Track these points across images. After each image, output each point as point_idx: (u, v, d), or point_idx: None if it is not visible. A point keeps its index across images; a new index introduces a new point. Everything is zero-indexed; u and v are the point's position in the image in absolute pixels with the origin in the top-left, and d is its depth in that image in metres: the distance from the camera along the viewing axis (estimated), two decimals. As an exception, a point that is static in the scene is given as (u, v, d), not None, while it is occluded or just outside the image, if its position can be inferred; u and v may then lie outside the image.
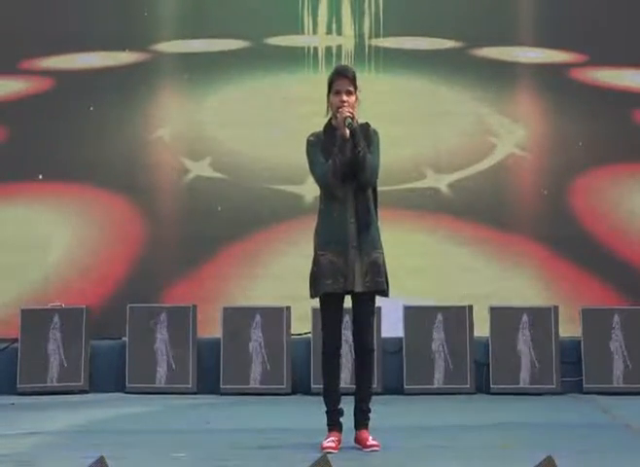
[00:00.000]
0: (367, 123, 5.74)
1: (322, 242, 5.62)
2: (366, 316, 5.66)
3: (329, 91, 5.69)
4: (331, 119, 5.70)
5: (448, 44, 9.62)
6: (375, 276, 5.59)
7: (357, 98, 5.69)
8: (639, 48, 9.58)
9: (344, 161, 5.54)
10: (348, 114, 5.55)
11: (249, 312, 8.81)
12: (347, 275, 5.55)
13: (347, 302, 5.68)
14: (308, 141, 5.72)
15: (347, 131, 5.54)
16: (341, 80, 5.66)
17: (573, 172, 9.51)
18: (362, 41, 9.64)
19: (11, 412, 7.79)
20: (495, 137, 9.61)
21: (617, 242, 9.41)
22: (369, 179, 5.60)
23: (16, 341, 8.89)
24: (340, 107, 5.60)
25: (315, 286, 5.62)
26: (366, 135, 5.65)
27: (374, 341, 5.85)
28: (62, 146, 9.58)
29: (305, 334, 8.82)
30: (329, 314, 5.63)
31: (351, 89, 5.66)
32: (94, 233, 9.52)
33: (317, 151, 5.65)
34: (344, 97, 5.62)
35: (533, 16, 9.68)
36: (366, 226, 5.58)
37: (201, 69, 9.66)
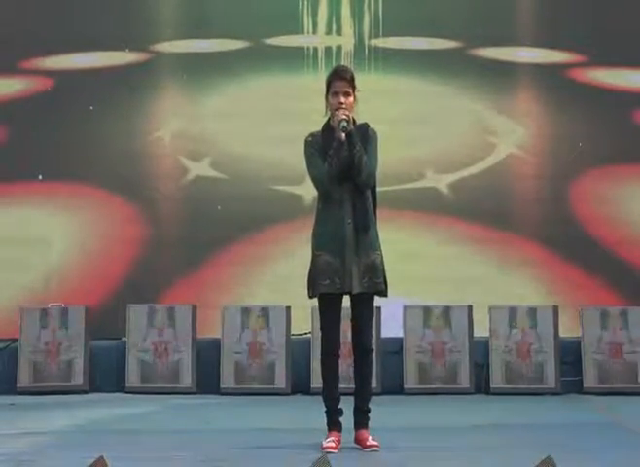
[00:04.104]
0: (366, 123, 5.73)
1: (319, 243, 5.62)
2: (364, 317, 5.65)
3: (327, 92, 5.69)
4: (329, 119, 5.70)
5: (448, 44, 9.62)
6: (373, 277, 5.58)
7: (355, 99, 5.69)
8: (639, 48, 9.58)
9: (340, 163, 5.54)
10: (344, 117, 5.54)
11: (249, 312, 8.81)
12: (344, 276, 5.55)
13: (347, 301, 5.68)
14: (306, 142, 5.71)
15: (342, 135, 5.53)
16: (339, 81, 5.65)
17: (573, 172, 9.51)
18: (362, 41, 9.64)
19: (11, 411, 7.79)
20: (495, 137, 9.61)
21: (616, 242, 9.41)
22: (365, 181, 5.59)
23: (15, 340, 8.90)
24: (338, 109, 5.59)
25: (313, 286, 5.63)
26: (364, 136, 5.63)
27: (373, 342, 5.85)
28: (62, 146, 9.58)
29: (305, 334, 8.83)
30: (327, 315, 5.63)
31: (349, 90, 5.65)
32: (94, 233, 9.53)
33: (315, 152, 5.65)
34: (342, 99, 5.61)
35: (533, 16, 9.68)
36: (363, 227, 5.58)
37: (201, 69, 9.67)
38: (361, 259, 5.57)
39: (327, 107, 5.70)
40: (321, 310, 5.65)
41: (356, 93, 5.68)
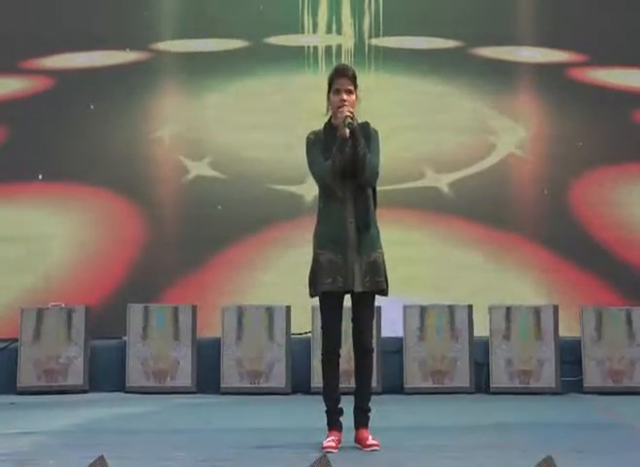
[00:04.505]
0: (367, 122, 5.73)
1: (321, 242, 5.62)
2: (365, 316, 5.65)
3: (329, 90, 5.69)
4: (331, 118, 5.69)
5: (448, 44, 9.62)
6: (375, 276, 5.58)
7: (357, 97, 5.68)
8: (639, 48, 9.58)
9: (344, 160, 5.53)
10: (348, 114, 5.54)
11: (249, 312, 8.81)
12: (346, 275, 5.54)
13: (348, 301, 5.68)
14: (308, 139, 5.71)
15: (347, 131, 5.53)
16: (341, 79, 5.65)
17: (573, 172, 9.51)
18: (362, 40, 9.64)
19: (11, 411, 7.79)
20: (495, 137, 9.61)
21: (617, 242, 9.41)
22: (368, 178, 5.59)
23: (15, 340, 8.89)
24: (340, 106, 5.59)
25: (314, 285, 5.62)
26: (366, 134, 5.63)
27: (374, 341, 5.85)
28: (62, 146, 9.59)
29: (305, 333, 8.83)
30: (328, 313, 5.62)
31: (351, 88, 5.65)
32: (94, 233, 9.53)
33: (317, 150, 5.64)
34: (344, 96, 5.61)
35: (533, 16, 9.68)
36: (365, 225, 5.57)
37: (201, 69, 9.67)
38: (363, 258, 5.56)
39: (328, 105, 5.70)
40: (322, 309, 5.65)
41: (358, 92, 5.68)
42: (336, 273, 5.54)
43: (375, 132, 5.70)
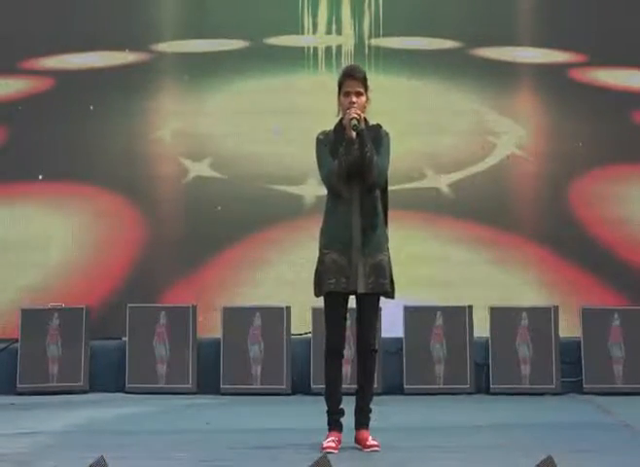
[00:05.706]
0: (378, 124, 5.73)
1: (327, 241, 5.62)
2: (369, 317, 5.64)
3: (339, 92, 5.69)
4: (341, 119, 5.69)
5: (448, 44, 9.62)
6: (379, 278, 5.57)
7: (368, 99, 5.69)
8: (639, 48, 9.58)
9: (350, 162, 5.54)
10: (355, 116, 5.53)
11: (249, 312, 8.81)
12: (350, 275, 5.54)
13: (352, 302, 5.67)
14: (318, 139, 5.71)
15: (353, 133, 5.53)
16: (351, 81, 5.65)
17: (573, 172, 9.51)
18: (362, 41, 9.64)
19: (11, 411, 7.79)
20: (495, 137, 9.61)
21: (617, 242, 9.41)
22: (375, 180, 5.59)
23: (16, 341, 8.89)
24: (349, 108, 5.60)
25: (319, 285, 5.62)
26: (375, 137, 5.64)
27: (377, 342, 5.84)
28: (62, 146, 9.58)
29: (305, 334, 8.82)
30: (332, 313, 5.62)
31: (361, 89, 5.65)
32: (94, 233, 9.52)
33: (326, 150, 5.64)
34: (354, 98, 5.62)
35: (533, 16, 9.68)
36: (371, 227, 5.58)
37: (201, 69, 9.67)
38: (367, 259, 5.56)
39: (339, 107, 5.70)
40: (326, 309, 5.64)
41: (369, 94, 5.68)
42: (339, 274, 5.54)
43: (386, 135, 5.72)
